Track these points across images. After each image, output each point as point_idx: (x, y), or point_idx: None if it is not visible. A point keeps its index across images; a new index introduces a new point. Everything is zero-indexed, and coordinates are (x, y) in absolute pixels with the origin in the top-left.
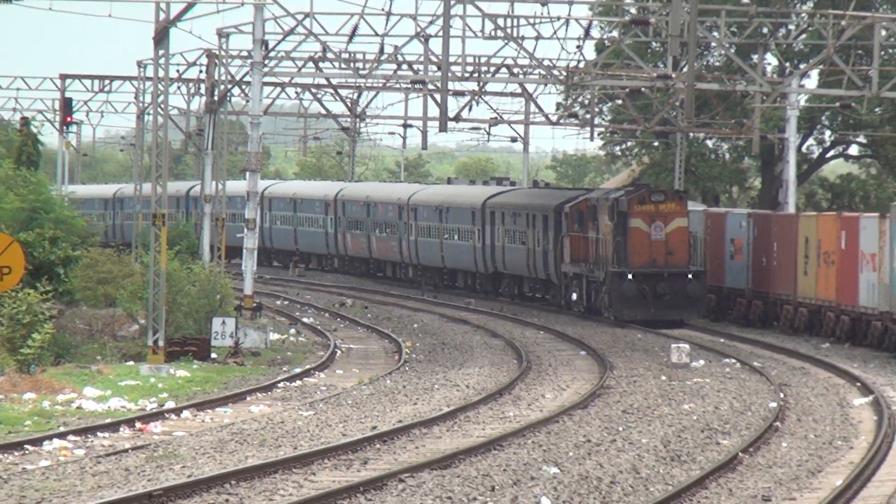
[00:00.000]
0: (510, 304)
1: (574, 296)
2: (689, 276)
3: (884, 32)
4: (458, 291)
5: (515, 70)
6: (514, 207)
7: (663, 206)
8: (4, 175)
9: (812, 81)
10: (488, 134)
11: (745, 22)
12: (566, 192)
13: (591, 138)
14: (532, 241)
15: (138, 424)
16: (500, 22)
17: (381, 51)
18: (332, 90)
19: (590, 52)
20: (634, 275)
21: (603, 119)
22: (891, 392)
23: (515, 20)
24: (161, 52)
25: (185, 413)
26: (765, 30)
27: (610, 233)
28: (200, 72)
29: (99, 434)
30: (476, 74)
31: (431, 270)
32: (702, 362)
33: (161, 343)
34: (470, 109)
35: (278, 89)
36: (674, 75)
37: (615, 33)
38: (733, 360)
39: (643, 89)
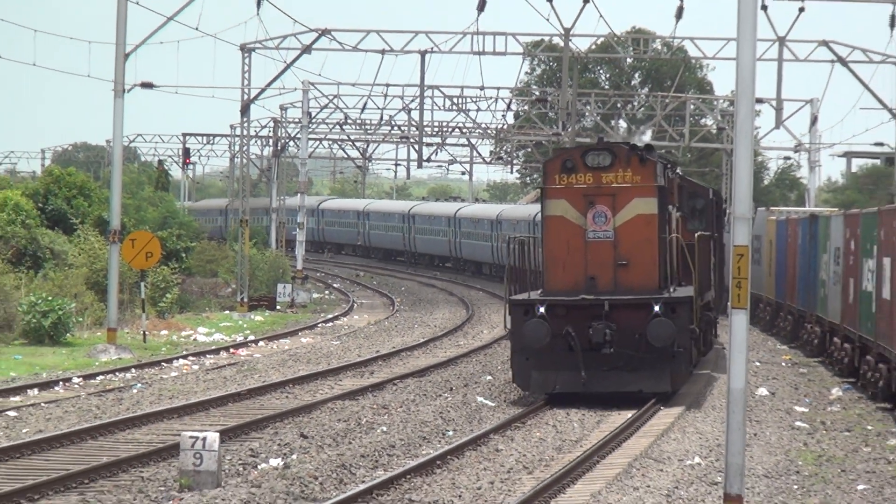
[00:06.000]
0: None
1: None
2: (657, 307)
3: (691, 107)
4: None
5: (464, 130)
6: None
7: (609, 176)
8: (148, 195)
9: (647, 137)
10: (447, 169)
11: (606, 100)
12: None
13: (511, 172)
14: None
15: (231, 350)
16: (455, 100)
17: (381, 118)
18: (350, 142)
19: (510, 119)
20: (550, 307)
21: (518, 160)
22: None
23: (464, 99)
24: (245, 119)
25: (261, 343)
26: (619, 105)
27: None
28: (269, 131)
29: (207, 356)
30: (440, 132)
31: None
32: None
33: (245, 299)
34: (436, 154)
35: (317, 142)
36: (562, 133)
37: (526, 107)
38: None
39: (543, 142)
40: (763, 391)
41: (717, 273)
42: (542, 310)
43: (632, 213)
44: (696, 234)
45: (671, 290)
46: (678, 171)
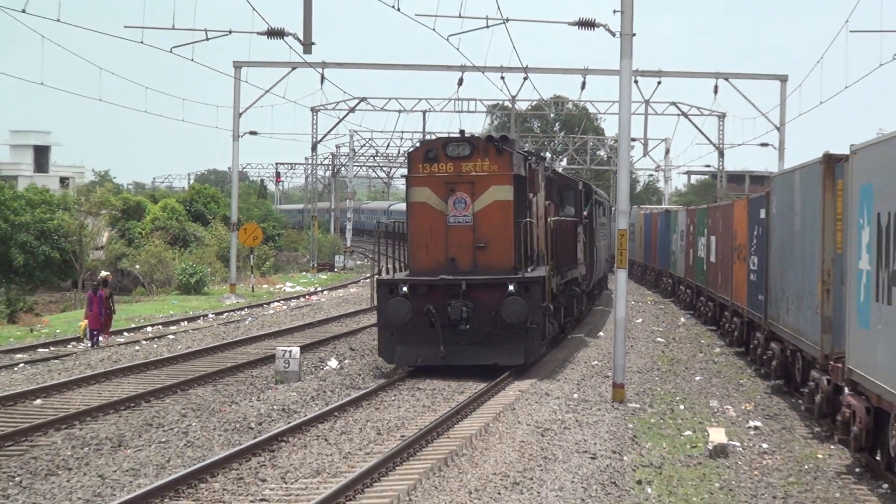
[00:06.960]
0: None
1: None
2: (511, 287)
3: (591, 144)
4: None
5: None
6: None
7: (468, 165)
8: (254, 201)
9: (564, 162)
10: None
11: (537, 140)
12: None
13: None
14: None
15: (307, 296)
16: None
17: (398, 153)
18: (380, 167)
19: None
20: (412, 287)
21: None
22: None
23: None
24: (314, 153)
25: (325, 292)
26: (545, 143)
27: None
28: (329, 161)
29: (292, 300)
30: None
31: None
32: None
33: (315, 265)
34: None
35: (359, 168)
36: None
37: None
38: None
39: None
40: (636, 319)
41: (588, 251)
42: (404, 289)
43: (489, 200)
44: (549, 220)
45: (527, 270)
46: (548, 164)
